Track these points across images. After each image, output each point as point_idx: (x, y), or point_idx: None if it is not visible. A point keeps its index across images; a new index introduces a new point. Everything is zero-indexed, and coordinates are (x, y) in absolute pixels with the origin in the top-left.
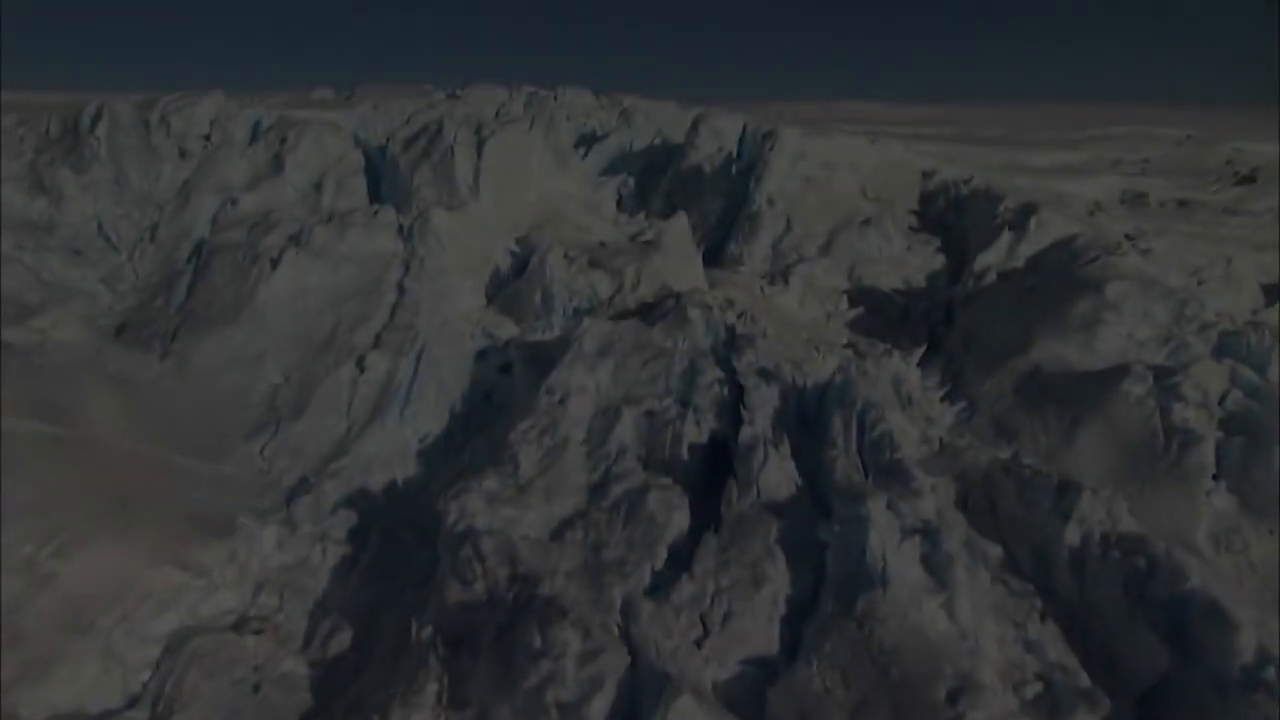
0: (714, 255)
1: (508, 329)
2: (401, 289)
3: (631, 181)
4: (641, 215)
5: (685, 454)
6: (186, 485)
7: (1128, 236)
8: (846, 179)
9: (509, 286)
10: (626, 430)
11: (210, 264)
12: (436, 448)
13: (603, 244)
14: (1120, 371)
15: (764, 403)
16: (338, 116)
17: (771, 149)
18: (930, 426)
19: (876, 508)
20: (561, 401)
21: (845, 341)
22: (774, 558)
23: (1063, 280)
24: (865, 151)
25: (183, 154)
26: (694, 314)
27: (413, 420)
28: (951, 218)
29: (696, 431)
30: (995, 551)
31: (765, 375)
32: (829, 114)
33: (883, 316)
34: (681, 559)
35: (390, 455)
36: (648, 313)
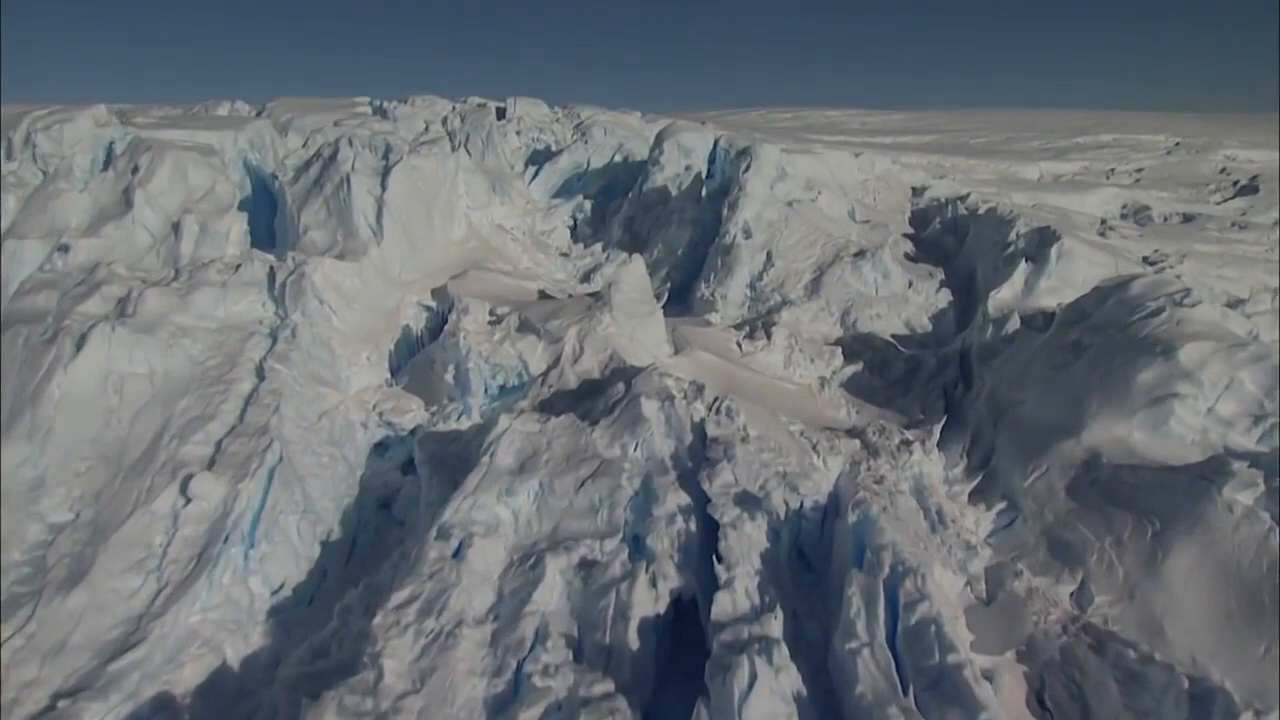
0: (681, 296)
1: (417, 413)
2: (261, 373)
3: (588, 206)
4: (599, 247)
5: (635, 636)
6: None
7: (1147, 260)
8: (833, 201)
9: (420, 356)
10: (550, 595)
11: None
12: (297, 604)
13: (544, 294)
14: (1215, 469)
15: (746, 548)
16: (220, 138)
17: (747, 169)
18: (971, 557)
19: None
20: (458, 553)
21: (848, 424)
22: None
23: (1117, 338)
24: (851, 168)
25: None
26: (650, 409)
27: (261, 569)
28: (951, 243)
29: (651, 597)
30: None
31: (746, 503)
32: (804, 124)
33: (886, 374)
34: None
35: (218, 630)
36: (592, 397)
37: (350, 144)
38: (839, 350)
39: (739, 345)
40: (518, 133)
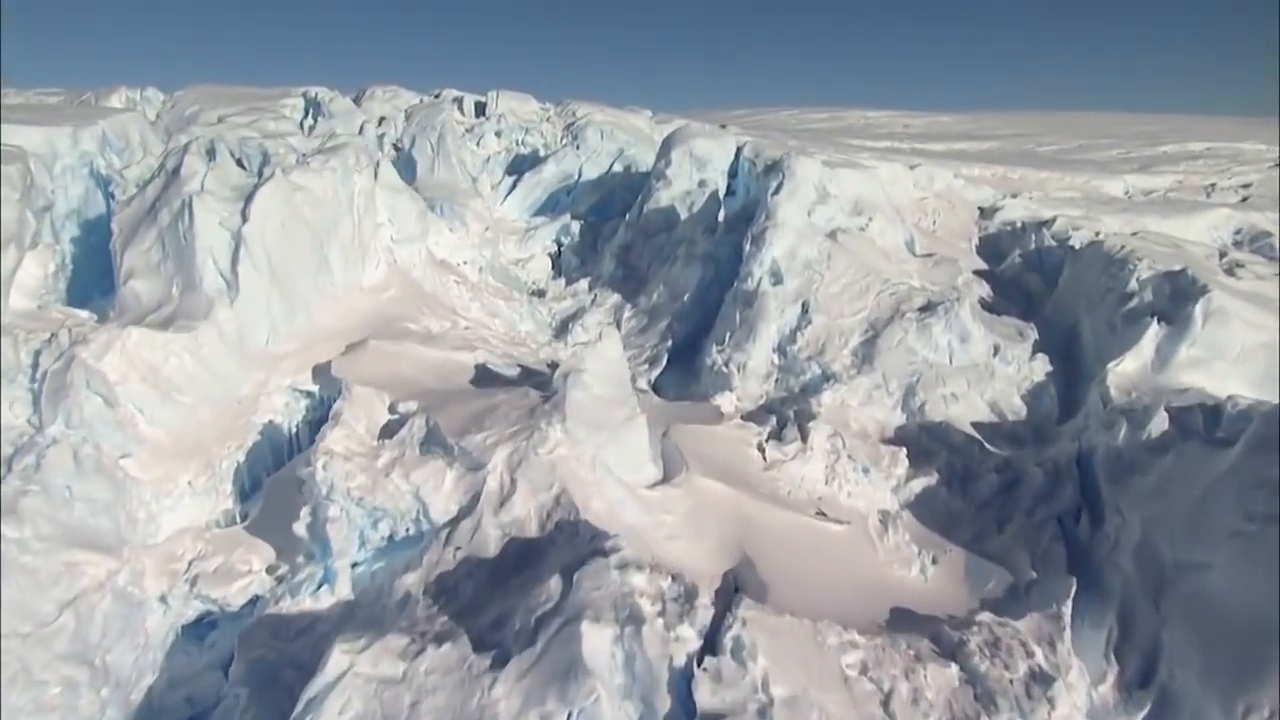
0: (685, 360)
1: (255, 577)
2: None
3: (575, 229)
4: (585, 284)
5: None
6: None
7: None
8: (887, 229)
9: (282, 474)
10: None
11: None
12: None
13: (485, 371)
14: None
15: None
16: (50, 136)
17: (778, 189)
18: None
19: None
20: None
21: (926, 598)
22: None
23: None
24: (906, 184)
25: None
26: (597, 647)
27: None
28: (1036, 284)
29: None
30: None
31: None
32: (841, 125)
33: (970, 491)
34: None
35: None
36: (515, 584)
37: (209, 152)
38: (903, 453)
39: (760, 450)
40: (497, 134)
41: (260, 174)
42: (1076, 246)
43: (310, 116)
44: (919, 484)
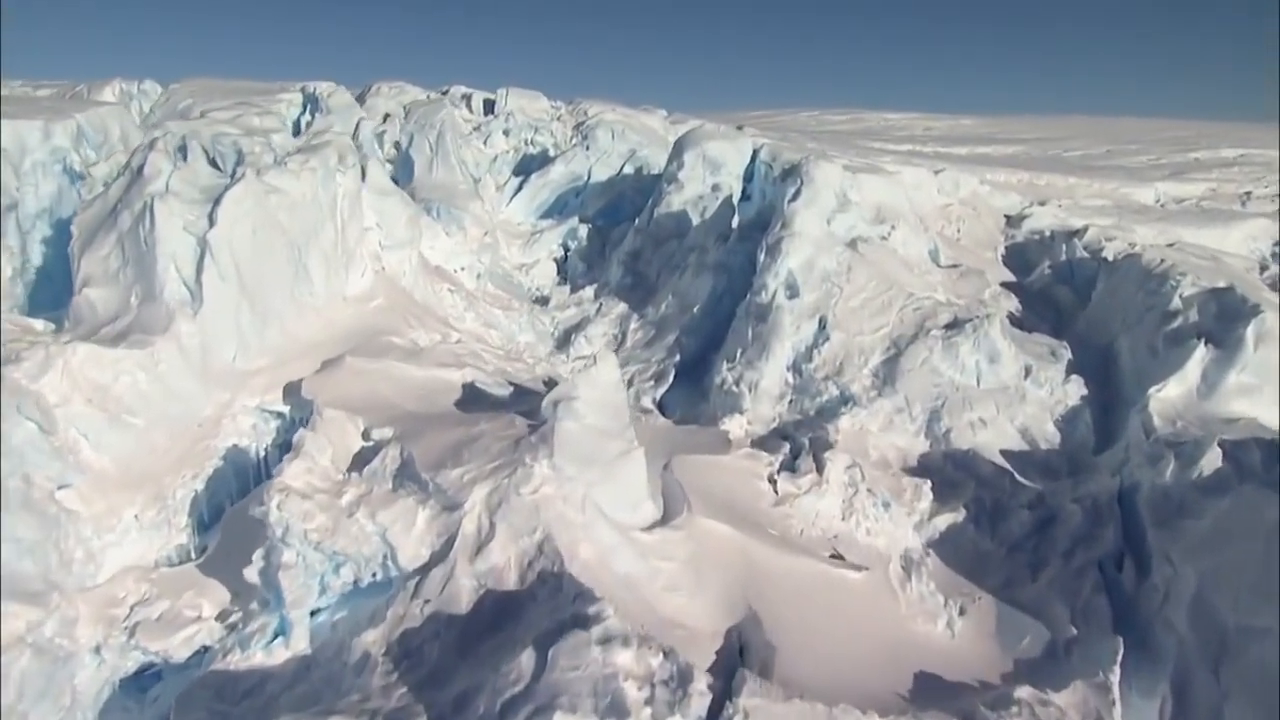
0: (693, 377)
1: (204, 625)
2: None
3: (583, 233)
4: (591, 291)
5: None
6: None
7: None
8: (911, 239)
9: (242, 506)
10: None
11: None
12: None
13: (473, 390)
14: None
15: None
16: (18, 130)
17: (796, 195)
18: None
19: None
20: None
21: (952, 653)
22: None
23: None
24: (930, 189)
25: None
26: None
27: None
28: (1067, 297)
29: None
30: None
31: None
32: (861, 127)
33: (1000, 530)
34: None
35: None
36: (490, 646)
37: (181, 149)
38: (926, 485)
39: (771, 482)
40: (505, 132)
41: (236, 174)
42: (1110, 258)
43: (308, 112)
44: (944, 521)
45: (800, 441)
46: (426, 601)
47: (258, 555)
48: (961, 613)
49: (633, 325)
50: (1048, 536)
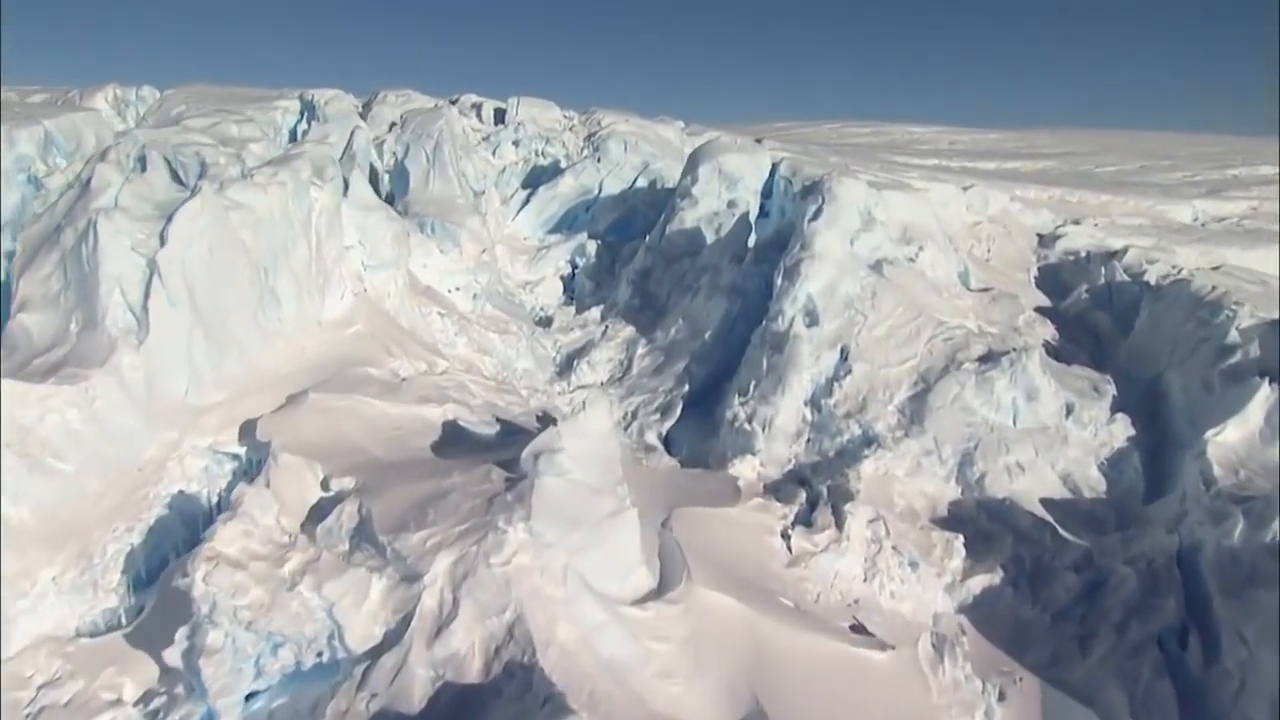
0: (702, 409)
1: (118, 712)
2: None
3: (592, 249)
4: (598, 312)
5: None
6: None
7: None
8: (939, 260)
9: (175, 571)
10: None
11: None
12: None
13: (454, 430)
14: None
15: None
16: None
17: (818, 213)
18: None
19: None
20: None
21: None
22: None
23: None
24: (959, 207)
25: None
26: None
27: None
28: (1105, 324)
29: None
30: None
31: None
32: (885, 140)
33: (1042, 595)
34: None
35: None
36: None
37: (138, 161)
38: (959, 540)
39: (785, 538)
40: (515, 143)
41: (197, 191)
42: (1153, 283)
43: (305, 120)
44: (978, 583)
45: (818, 490)
46: (374, 696)
47: (181, 634)
48: (1001, 698)
49: (639, 351)
50: (1098, 604)
